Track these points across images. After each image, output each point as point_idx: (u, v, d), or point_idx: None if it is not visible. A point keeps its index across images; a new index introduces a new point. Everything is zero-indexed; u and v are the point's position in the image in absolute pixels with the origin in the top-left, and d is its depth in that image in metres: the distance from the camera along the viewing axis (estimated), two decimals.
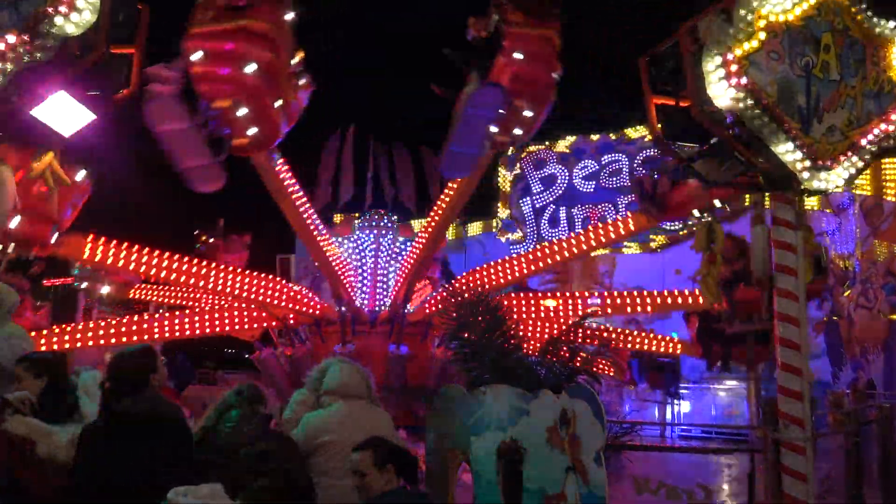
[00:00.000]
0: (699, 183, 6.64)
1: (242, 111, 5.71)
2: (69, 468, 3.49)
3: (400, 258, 11.71)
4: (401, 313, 10.64)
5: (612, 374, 13.13)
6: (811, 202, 14.84)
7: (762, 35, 5.43)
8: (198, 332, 11.09)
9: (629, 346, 12.53)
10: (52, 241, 6.98)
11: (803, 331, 5.73)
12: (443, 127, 7.68)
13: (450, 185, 10.09)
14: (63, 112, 5.08)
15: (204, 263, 10.09)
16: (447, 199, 10.20)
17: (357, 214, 12.81)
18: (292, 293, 10.81)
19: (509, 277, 10.67)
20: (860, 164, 5.81)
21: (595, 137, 20.78)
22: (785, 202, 5.84)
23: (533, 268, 10.87)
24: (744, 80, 5.32)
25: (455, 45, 7.69)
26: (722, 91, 5.31)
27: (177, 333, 10.93)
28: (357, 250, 11.70)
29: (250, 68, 5.62)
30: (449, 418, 4.60)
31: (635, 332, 13.38)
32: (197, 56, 5.57)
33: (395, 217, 12.68)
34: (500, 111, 7.22)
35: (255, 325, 11.60)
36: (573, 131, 21.02)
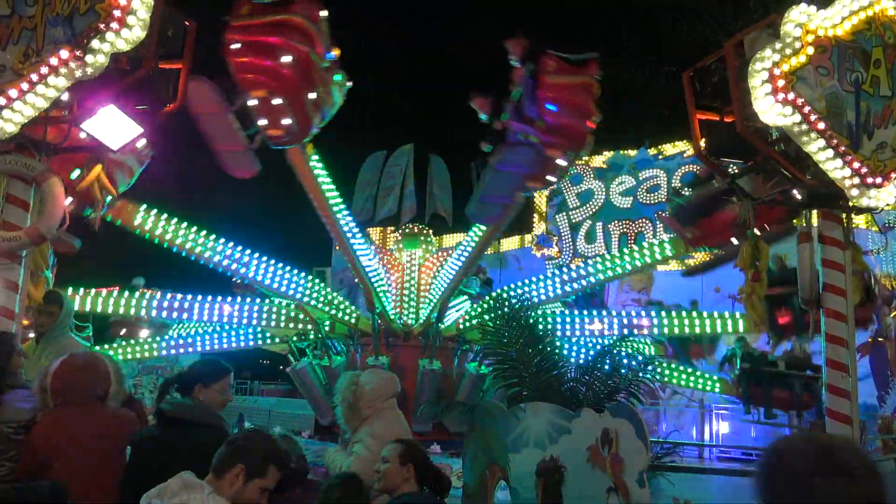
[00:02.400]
0: (738, 210, 6.48)
1: (277, 101, 5.82)
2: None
3: (438, 272, 11.70)
4: (435, 328, 10.63)
5: (716, 390, 12.55)
6: (858, 219, 14.47)
7: (810, 50, 5.33)
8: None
9: (659, 377, 12.06)
10: (107, 207, 6.94)
11: (852, 352, 5.58)
12: (481, 136, 7.64)
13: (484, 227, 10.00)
14: (112, 125, 5.19)
15: (249, 251, 10.09)
16: (480, 233, 10.12)
17: (393, 228, 12.87)
18: (331, 298, 10.88)
19: (545, 297, 10.59)
20: None
21: (633, 153, 20.62)
22: (833, 220, 5.71)
23: (568, 288, 10.76)
24: (791, 96, 5.23)
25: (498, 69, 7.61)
26: (768, 106, 5.22)
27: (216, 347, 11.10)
28: (392, 264, 11.75)
29: (286, 59, 5.72)
30: (487, 434, 4.55)
31: (665, 364, 12.91)
32: (236, 47, 5.70)
33: (431, 231, 12.71)
34: (533, 165, 7.12)
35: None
36: (610, 146, 20.90)
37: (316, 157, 9.13)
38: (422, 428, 8.95)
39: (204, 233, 9.42)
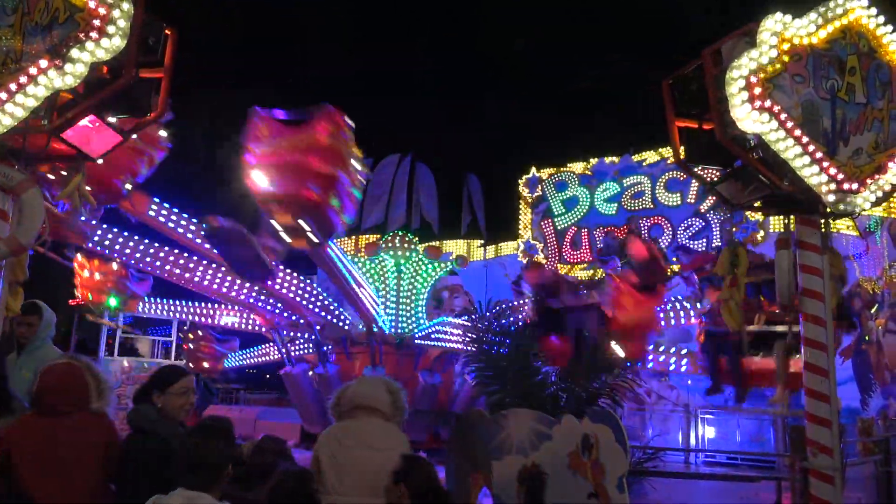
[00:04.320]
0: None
1: (305, 223, 5.77)
2: None
3: (423, 280, 11.71)
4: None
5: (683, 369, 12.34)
6: (840, 224, 14.61)
7: (786, 58, 5.40)
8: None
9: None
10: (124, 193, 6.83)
11: (831, 356, 5.63)
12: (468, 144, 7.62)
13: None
14: (92, 135, 5.17)
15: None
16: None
17: (380, 236, 12.89)
18: (325, 301, 10.88)
19: None
20: (887, 187, 5.73)
21: (616, 159, 20.75)
22: (810, 225, 5.77)
23: None
24: (767, 103, 5.29)
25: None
26: (745, 114, 5.28)
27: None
28: (380, 272, 11.75)
29: (313, 185, 5.63)
30: (470, 441, 4.56)
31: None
32: (259, 177, 5.60)
33: (417, 239, 12.75)
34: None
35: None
36: (595, 153, 21.03)
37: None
38: (417, 436, 8.97)
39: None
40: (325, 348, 11.13)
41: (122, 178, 6.54)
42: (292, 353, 11.52)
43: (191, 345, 13.33)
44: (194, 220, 9.08)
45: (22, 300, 5.34)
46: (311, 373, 11.05)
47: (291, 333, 11.21)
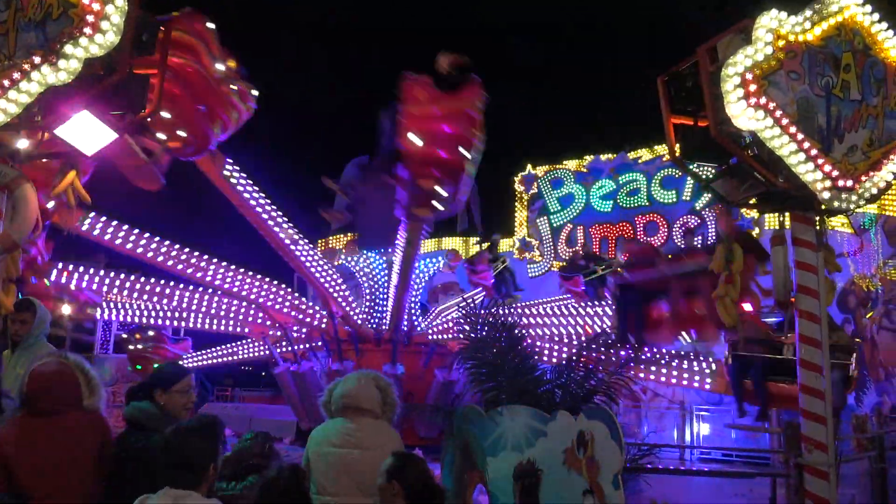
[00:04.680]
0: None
1: (165, 115, 5.80)
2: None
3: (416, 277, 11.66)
4: (400, 333, 10.58)
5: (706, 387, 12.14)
6: (834, 221, 14.63)
7: (781, 55, 5.41)
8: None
9: (648, 378, 11.86)
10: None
11: (825, 353, 5.65)
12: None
13: (399, 243, 9.85)
14: (86, 131, 5.16)
15: (207, 256, 9.92)
16: (401, 257, 9.99)
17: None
18: (298, 302, 10.80)
19: None
20: (882, 184, 5.75)
21: (612, 156, 20.75)
22: (805, 223, 5.78)
23: None
24: (763, 100, 5.30)
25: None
26: (740, 111, 5.28)
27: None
28: (366, 269, 11.70)
29: (465, 151, 5.68)
30: (465, 438, 4.56)
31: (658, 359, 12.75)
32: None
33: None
34: (406, 197, 7.01)
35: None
36: (590, 150, 21.05)
37: (233, 166, 8.74)
38: (430, 433, 8.93)
39: (158, 239, 9.30)
40: (328, 346, 11.08)
41: (213, 127, 6.45)
42: (295, 351, 11.45)
43: (139, 346, 12.86)
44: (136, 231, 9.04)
45: (15, 297, 5.33)
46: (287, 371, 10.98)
47: (296, 331, 11.12)
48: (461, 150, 6.82)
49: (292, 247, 9.76)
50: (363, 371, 4.76)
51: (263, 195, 9.19)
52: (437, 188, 7.01)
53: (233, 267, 10.05)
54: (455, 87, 6.82)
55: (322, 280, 10.34)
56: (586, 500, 4.15)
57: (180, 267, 9.47)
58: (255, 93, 6.68)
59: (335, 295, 10.55)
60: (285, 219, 9.63)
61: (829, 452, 5.43)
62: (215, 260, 9.90)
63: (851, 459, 7.91)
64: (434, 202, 7.13)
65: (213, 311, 10.79)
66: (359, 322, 10.88)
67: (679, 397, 15.60)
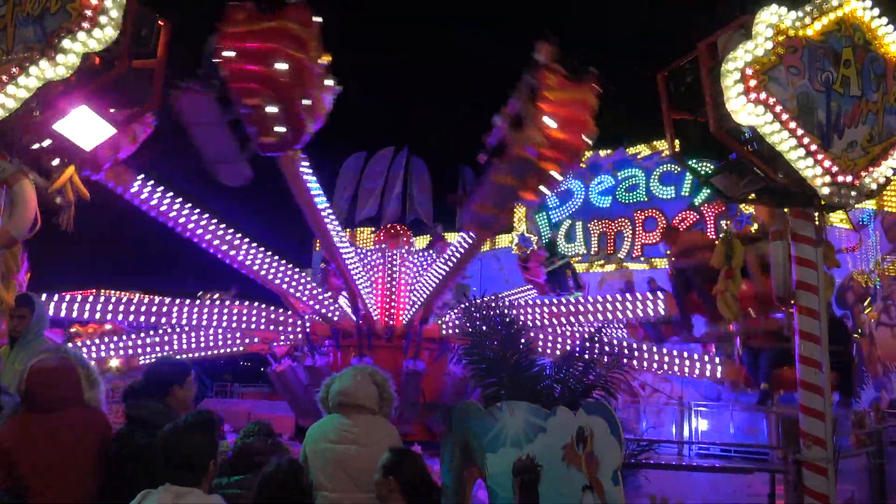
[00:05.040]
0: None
1: (272, 109, 5.81)
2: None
3: (416, 272, 11.68)
4: (417, 329, 10.63)
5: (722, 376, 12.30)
6: (833, 217, 14.63)
7: (781, 50, 5.40)
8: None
9: (656, 367, 12.12)
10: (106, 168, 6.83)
11: (825, 348, 5.65)
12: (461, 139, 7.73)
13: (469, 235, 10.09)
14: (84, 126, 5.14)
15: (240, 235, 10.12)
16: (470, 240, 10.16)
17: (372, 229, 12.86)
18: (316, 293, 10.88)
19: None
20: (882, 180, 5.74)
21: (611, 152, 20.74)
22: (805, 218, 5.78)
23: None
24: (762, 96, 5.29)
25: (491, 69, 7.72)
26: (740, 106, 5.27)
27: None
28: (372, 264, 11.73)
29: (281, 66, 5.71)
30: (464, 434, 4.56)
31: (665, 352, 12.95)
32: (229, 54, 5.68)
33: (411, 231, 12.73)
34: (528, 178, 7.22)
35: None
36: (590, 147, 21.01)
37: (306, 162, 9.13)
38: (406, 429, 8.96)
39: (198, 210, 9.43)
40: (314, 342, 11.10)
41: (309, 121, 6.49)
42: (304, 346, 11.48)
43: (87, 340, 12.73)
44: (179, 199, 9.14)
45: (15, 292, 5.32)
46: (298, 367, 11.02)
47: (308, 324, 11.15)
48: (584, 136, 7.19)
49: (339, 243, 10.25)
50: (360, 365, 4.76)
51: (322, 193, 9.69)
52: (557, 173, 7.36)
53: (262, 249, 10.20)
54: (577, 77, 7.08)
55: (355, 277, 10.60)
56: (586, 495, 4.14)
57: (216, 242, 9.60)
58: (339, 89, 6.78)
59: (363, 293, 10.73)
60: (334, 217, 10.14)
61: (828, 448, 5.43)
62: (247, 239, 10.01)
63: (850, 455, 7.91)
64: (543, 188, 7.50)
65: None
66: (374, 318, 10.97)
67: (678, 393, 15.62)
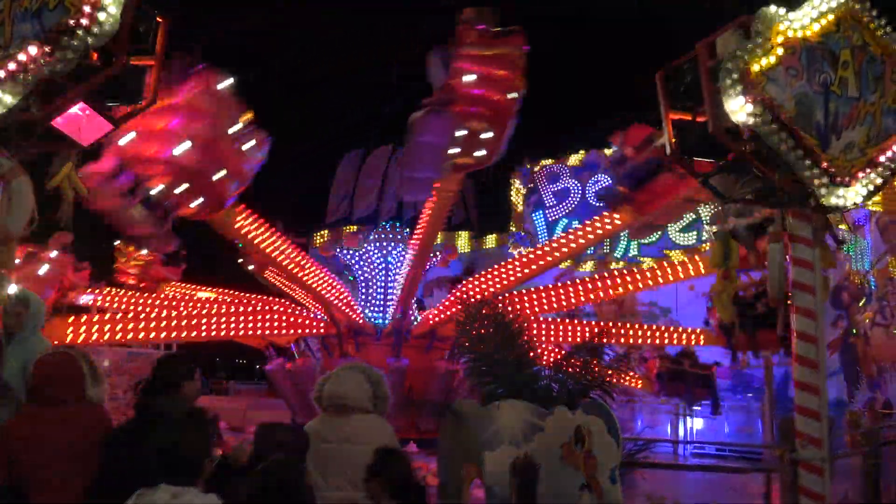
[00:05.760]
0: (671, 176, 6.64)
1: (182, 188, 5.81)
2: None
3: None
4: (402, 326, 10.64)
5: (639, 386, 12.84)
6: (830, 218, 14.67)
7: (780, 51, 5.40)
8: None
9: (647, 340, 12.40)
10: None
11: (821, 349, 5.67)
12: None
13: (426, 207, 10.15)
14: (82, 123, 5.12)
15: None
16: (426, 220, 10.24)
17: (363, 227, 12.89)
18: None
19: (513, 279, 10.74)
20: (878, 181, 5.75)
21: (608, 151, 20.77)
22: (802, 219, 5.79)
23: (534, 268, 10.91)
24: (762, 95, 5.29)
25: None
26: (739, 106, 5.27)
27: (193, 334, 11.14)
28: (366, 263, 11.74)
29: (182, 148, 5.64)
30: (462, 433, 4.57)
31: (654, 326, 13.19)
32: (127, 139, 5.61)
33: (406, 230, 12.75)
34: (455, 135, 7.22)
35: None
36: (586, 145, 21.04)
37: (243, 215, 9.34)
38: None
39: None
40: (307, 341, 11.12)
41: (230, 185, 6.51)
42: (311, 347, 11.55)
43: (131, 262, 12.65)
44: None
45: (10, 288, 5.29)
46: (282, 367, 11.08)
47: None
48: (509, 93, 7.03)
49: (299, 273, 10.58)
50: (354, 365, 4.76)
51: (271, 232, 10.01)
52: (484, 131, 7.26)
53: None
54: (502, 34, 7.09)
55: (328, 294, 10.72)
56: (583, 495, 4.16)
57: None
58: (268, 139, 6.80)
59: (337, 299, 10.80)
60: (292, 251, 10.46)
61: (824, 448, 5.45)
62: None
63: (845, 455, 7.95)
64: (477, 151, 7.44)
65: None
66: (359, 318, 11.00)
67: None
